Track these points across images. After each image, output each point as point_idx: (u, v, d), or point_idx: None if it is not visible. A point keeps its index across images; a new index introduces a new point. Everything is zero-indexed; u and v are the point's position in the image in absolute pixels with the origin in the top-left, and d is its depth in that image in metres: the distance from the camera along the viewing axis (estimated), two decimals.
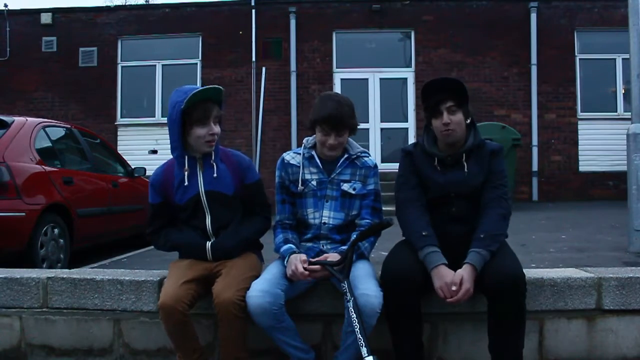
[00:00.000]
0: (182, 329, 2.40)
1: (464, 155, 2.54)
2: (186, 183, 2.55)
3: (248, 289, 2.37)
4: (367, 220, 2.62)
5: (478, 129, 2.62)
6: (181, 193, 2.57)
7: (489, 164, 2.54)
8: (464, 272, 2.32)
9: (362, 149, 2.71)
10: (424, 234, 2.43)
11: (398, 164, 2.71)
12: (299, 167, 2.65)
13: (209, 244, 2.57)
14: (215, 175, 2.57)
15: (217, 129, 2.53)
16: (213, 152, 2.58)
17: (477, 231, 2.42)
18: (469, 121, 2.55)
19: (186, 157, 2.55)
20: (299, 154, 2.69)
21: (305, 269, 2.41)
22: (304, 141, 2.73)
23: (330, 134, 2.53)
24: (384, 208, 2.71)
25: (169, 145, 2.56)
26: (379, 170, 2.78)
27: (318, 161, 2.64)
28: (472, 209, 2.53)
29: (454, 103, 2.48)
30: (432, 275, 2.36)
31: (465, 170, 2.53)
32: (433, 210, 2.56)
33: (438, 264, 2.35)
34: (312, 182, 2.63)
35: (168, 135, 2.54)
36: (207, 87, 2.53)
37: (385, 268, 2.44)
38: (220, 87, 2.55)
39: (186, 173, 2.55)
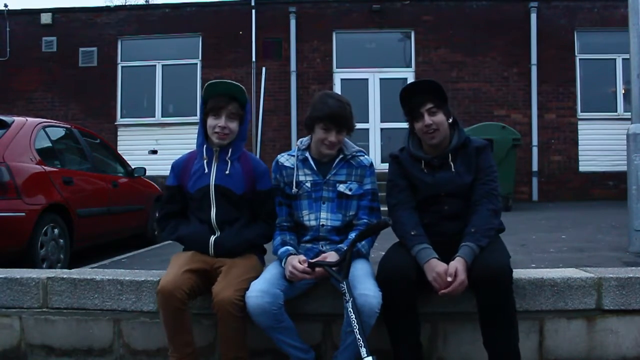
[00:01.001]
0: (178, 317, 2.41)
1: (449, 155, 2.56)
2: (206, 170, 2.62)
3: (247, 289, 2.38)
4: (365, 220, 2.62)
5: (462, 128, 2.64)
6: (194, 180, 2.64)
7: (477, 161, 2.56)
8: (457, 264, 2.34)
9: (357, 148, 2.71)
10: (412, 233, 2.47)
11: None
12: (293, 169, 2.66)
13: (212, 238, 2.59)
14: (227, 172, 2.61)
15: (228, 123, 2.57)
16: (230, 150, 2.63)
17: (468, 226, 2.45)
18: (450, 120, 2.57)
19: (205, 147, 2.63)
20: (293, 155, 2.69)
21: (306, 267, 2.41)
22: (298, 143, 2.73)
23: (331, 131, 2.54)
24: (383, 208, 2.71)
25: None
26: (380, 171, 2.79)
27: (312, 163, 2.64)
28: (464, 206, 2.54)
29: (433, 104, 2.51)
30: (425, 270, 2.38)
31: (453, 170, 2.55)
32: (427, 210, 2.57)
33: (429, 259, 2.38)
34: (307, 184, 2.64)
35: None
36: (226, 80, 2.63)
37: (381, 267, 2.46)
38: (241, 86, 2.61)
39: (205, 161, 2.63)
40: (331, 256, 2.47)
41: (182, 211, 2.74)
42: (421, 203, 2.59)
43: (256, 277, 2.47)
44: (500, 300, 2.34)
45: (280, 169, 2.70)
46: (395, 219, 2.54)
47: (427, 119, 2.50)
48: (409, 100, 2.57)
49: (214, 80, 2.61)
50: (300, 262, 2.44)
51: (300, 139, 2.74)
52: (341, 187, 2.62)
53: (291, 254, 2.50)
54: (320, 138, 2.57)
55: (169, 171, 2.77)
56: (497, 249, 2.44)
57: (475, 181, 2.54)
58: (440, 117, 2.52)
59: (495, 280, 2.30)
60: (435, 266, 2.35)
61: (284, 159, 2.72)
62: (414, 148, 2.63)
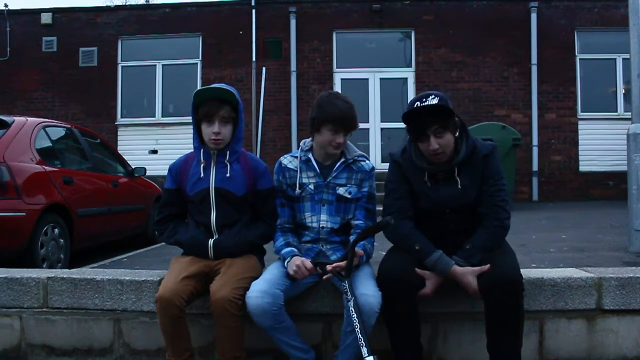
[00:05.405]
0: (176, 324, 2.41)
1: (456, 169, 2.45)
2: (202, 175, 2.60)
3: (246, 289, 2.38)
4: (361, 222, 2.62)
5: (469, 133, 2.49)
6: (193, 183, 2.62)
7: (483, 168, 2.45)
8: (430, 275, 2.40)
9: (359, 152, 2.70)
10: (417, 248, 2.42)
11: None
12: (297, 171, 2.65)
13: (211, 241, 2.59)
14: (228, 175, 2.60)
15: (221, 128, 2.55)
16: (228, 152, 2.61)
17: (467, 240, 2.42)
18: (457, 134, 2.43)
19: (202, 150, 2.61)
20: (296, 157, 2.69)
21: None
22: (301, 144, 2.73)
23: (339, 133, 2.53)
24: (381, 208, 2.70)
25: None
26: (380, 171, 2.78)
27: (315, 165, 2.64)
28: (469, 220, 2.49)
29: (439, 125, 2.35)
30: (452, 277, 2.38)
31: (459, 185, 2.45)
32: (430, 225, 2.50)
33: (450, 267, 2.37)
34: (310, 186, 2.63)
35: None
36: (213, 86, 2.60)
37: (381, 271, 2.44)
38: (231, 90, 2.57)
39: (202, 166, 2.61)
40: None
41: (181, 214, 2.74)
42: (423, 216, 2.51)
43: (254, 278, 2.47)
44: (510, 309, 2.32)
45: (283, 171, 2.69)
46: (395, 229, 2.44)
47: (434, 143, 2.35)
48: (414, 119, 2.40)
49: (201, 88, 2.59)
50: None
51: (304, 140, 2.74)
52: (340, 190, 2.62)
53: (296, 255, 2.51)
54: (328, 140, 2.54)
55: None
56: (508, 257, 2.41)
57: (482, 191, 2.45)
58: (446, 137, 2.37)
59: (505, 290, 2.28)
60: (462, 274, 2.36)
61: (287, 160, 2.71)
62: (417, 157, 2.48)
